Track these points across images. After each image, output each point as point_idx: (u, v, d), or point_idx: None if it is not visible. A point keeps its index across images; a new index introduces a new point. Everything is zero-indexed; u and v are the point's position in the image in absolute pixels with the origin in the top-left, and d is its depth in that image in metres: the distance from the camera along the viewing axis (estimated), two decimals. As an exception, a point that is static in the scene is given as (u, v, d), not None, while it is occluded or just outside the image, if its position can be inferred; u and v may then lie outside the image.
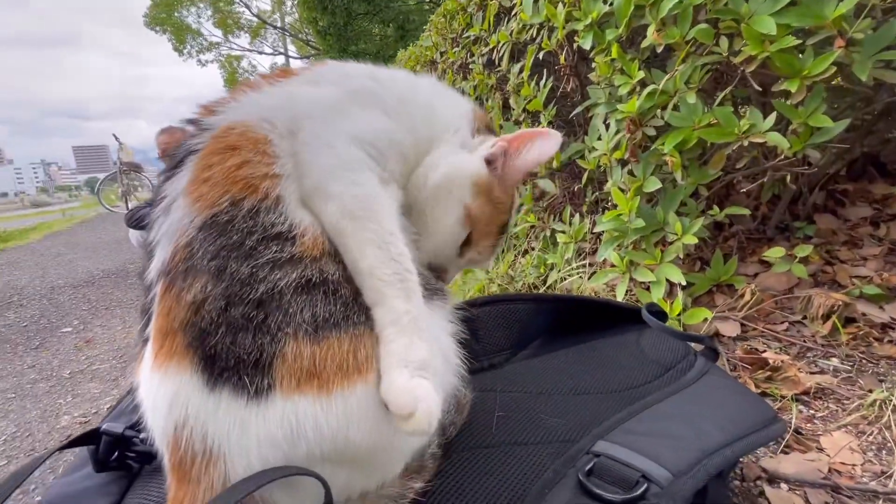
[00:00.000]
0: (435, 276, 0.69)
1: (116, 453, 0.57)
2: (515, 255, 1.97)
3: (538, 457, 0.59)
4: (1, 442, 1.76)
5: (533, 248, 1.93)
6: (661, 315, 0.97)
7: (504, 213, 0.71)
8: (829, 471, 0.78)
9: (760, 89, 1.11)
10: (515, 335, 0.88)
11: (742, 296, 1.25)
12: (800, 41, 1.00)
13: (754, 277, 1.40)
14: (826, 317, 1.13)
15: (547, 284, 1.62)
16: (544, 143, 0.67)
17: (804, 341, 1.12)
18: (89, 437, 0.55)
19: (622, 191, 1.36)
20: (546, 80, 1.66)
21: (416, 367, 0.47)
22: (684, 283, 1.22)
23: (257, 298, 0.43)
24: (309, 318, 0.44)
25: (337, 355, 0.44)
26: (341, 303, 0.47)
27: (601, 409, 0.71)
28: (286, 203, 0.49)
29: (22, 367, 2.45)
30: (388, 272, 0.49)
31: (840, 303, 1.12)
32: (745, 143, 1.09)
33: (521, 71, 1.79)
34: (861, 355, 1.04)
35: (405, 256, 0.52)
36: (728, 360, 1.09)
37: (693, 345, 0.89)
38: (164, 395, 0.42)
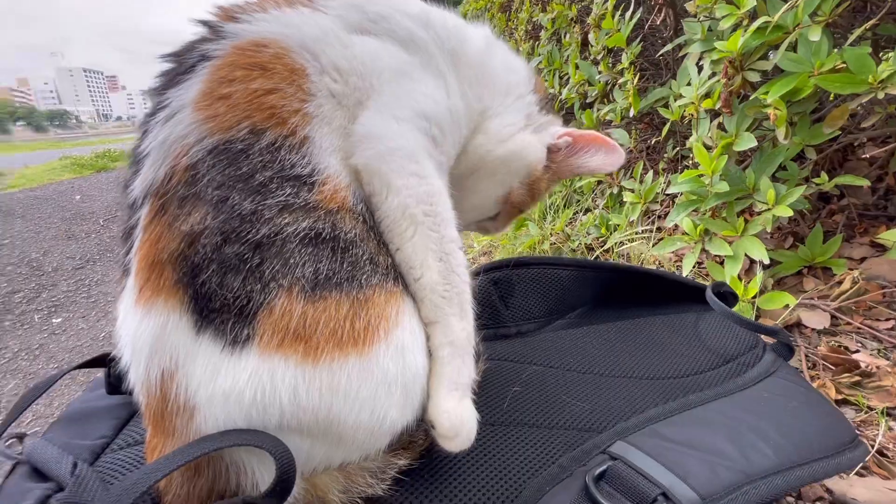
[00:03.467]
0: None
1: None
2: (576, 212, 1.82)
3: (549, 444, 0.53)
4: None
5: (596, 206, 1.77)
6: (729, 298, 0.83)
7: (535, 202, 0.69)
8: (915, 505, 0.65)
9: (915, 24, 0.86)
10: (552, 303, 0.80)
11: (840, 282, 1.05)
12: None
13: (860, 262, 1.17)
14: (949, 320, 0.93)
15: (605, 248, 1.48)
16: (608, 157, 0.65)
17: (912, 345, 0.93)
18: (100, 361, 0.56)
19: (707, 147, 1.16)
20: (633, 12, 1.43)
21: (465, 388, 0.49)
22: (767, 261, 1.04)
23: (256, 240, 0.39)
24: (309, 273, 0.40)
25: (332, 319, 0.39)
26: (349, 262, 0.42)
27: (634, 397, 0.62)
28: (314, 145, 0.45)
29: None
30: (449, 288, 0.48)
31: (973, 305, 0.90)
32: (881, 96, 0.86)
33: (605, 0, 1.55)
34: None
35: (464, 266, 0.51)
36: (807, 356, 0.94)
37: (764, 337, 0.75)
38: (147, 336, 0.39)
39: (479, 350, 0.63)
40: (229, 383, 0.37)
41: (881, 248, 1.15)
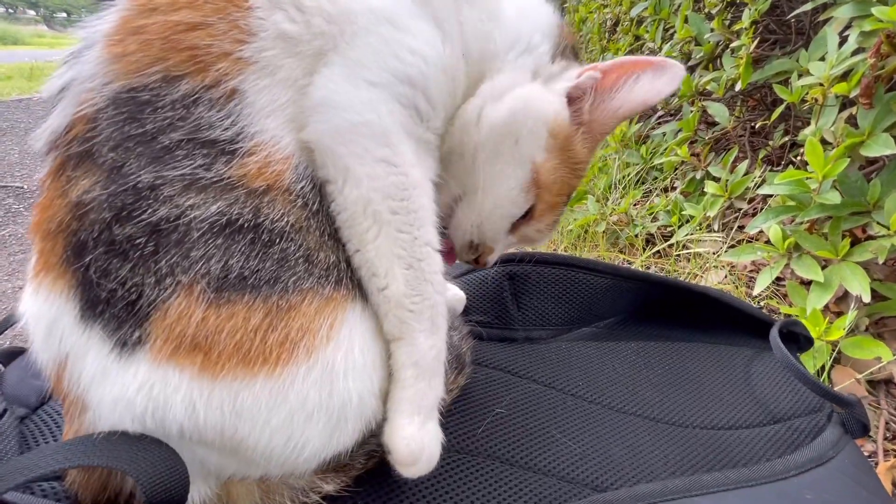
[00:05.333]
0: (472, 259, 0.52)
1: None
2: (647, 192, 1.61)
3: (518, 490, 0.45)
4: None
5: (675, 188, 1.55)
6: (802, 340, 0.68)
7: (581, 176, 0.51)
8: None
9: None
10: (575, 310, 0.68)
11: (960, 342, 0.84)
12: None
13: None
14: None
15: (669, 242, 1.29)
16: (657, 79, 0.46)
17: None
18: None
19: (825, 144, 0.93)
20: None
21: (430, 410, 0.42)
22: (868, 298, 0.84)
23: (152, 222, 0.32)
24: (217, 270, 0.32)
25: (239, 329, 0.32)
26: (274, 260, 0.34)
27: (642, 449, 0.52)
28: (244, 102, 0.35)
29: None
30: (419, 300, 0.40)
31: None
32: None
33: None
34: None
35: (439, 272, 0.41)
36: (887, 424, 0.77)
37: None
38: (41, 317, 0.34)
39: (465, 356, 0.55)
40: (118, 391, 0.32)
41: None
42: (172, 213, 0.32)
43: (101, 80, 0.34)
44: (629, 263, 1.29)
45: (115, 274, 0.32)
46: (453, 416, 0.50)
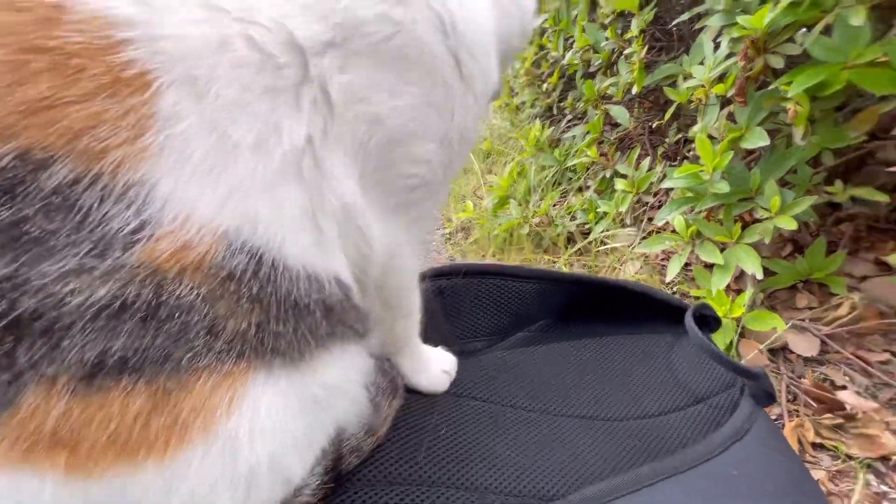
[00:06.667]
0: None
1: None
2: (565, 193, 1.69)
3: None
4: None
5: (588, 188, 1.64)
6: (712, 322, 0.73)
7: None
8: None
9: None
10: (508, 318, 0.69)
11: (838, 305, 0.95)
12: None
13: (861, 280, 1.07)
14: (950, 360, 0.83)
15: (588, 239, 1.36)
16: None
17: (904, 384, 0.84)
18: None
19: (712, 139, 1.03)
20: (651, -30, 1.24)
21: None
22: (761, 275, 0.94)
23: (13, 317, 0.25)
24: (92, 357, 0.26)
25: (115, 419, 0.27)
26: (168, 335, 0.28)
27: (584, 452, 0.53)
28: (153, 192, 0.28)
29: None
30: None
31: (980, 348, 0.81)
32: (921, 101, 0.73)
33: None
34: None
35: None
36: (788, 388, 0.85)
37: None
38: None
39: (398, 379, 0.53)
40: None
41: (886, 267, 1.04)
42: (43, 303, 0.26)
43: None
44: (553, 263, 1.34)
45: None
46: (390, 445, 0.47)
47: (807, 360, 0.91)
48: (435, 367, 0.57)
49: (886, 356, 0.90)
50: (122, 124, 0.27)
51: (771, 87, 0.88)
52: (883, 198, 0.89)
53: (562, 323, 0.75)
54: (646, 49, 1.25)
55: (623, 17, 1.43)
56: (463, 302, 0.67)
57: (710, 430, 0.58)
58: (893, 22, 0.82)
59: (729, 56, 0.99)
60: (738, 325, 0.92)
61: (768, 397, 0.63)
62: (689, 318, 0.69)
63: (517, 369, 0.64)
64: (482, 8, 0.41)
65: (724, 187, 0.97)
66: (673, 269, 1.08)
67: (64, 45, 0.26)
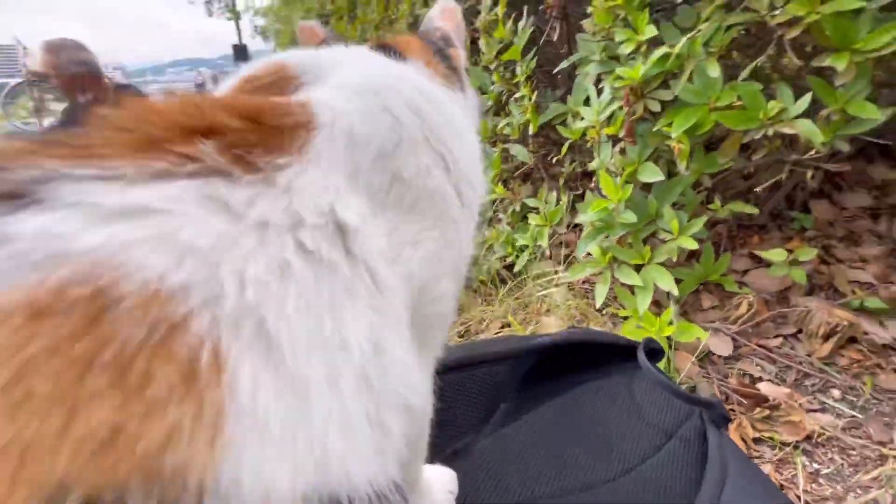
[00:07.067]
0: None
1: None
2: (481, 227, 1.74)
3: None
4: None
5: (500, 220, 1.71)
6: (658, 354, 0.79)
7: None
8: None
9: (801, 63, 0.88)
10: (484, 405, 0.68)
11: (738, 305, 1.10)
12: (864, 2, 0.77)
13: (744, 274, 1.25)
14: (826, 336, 1.01)
15: (515, 272, 1.42)
16: None
17: (800, 364, 1.00)
18: None
19: (609, 172, 1.13)
20: (526, 22, 1.35)
21: None
22: (676, 292, 1.05)
23: None
24: None
25: None
26: None
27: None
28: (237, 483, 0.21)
29: None
30: None
31: (844, 323, 0.99)
32: (771, 132, 0.88)
33: (494, 3, 1.44)
34: (863, 386, 0.92)
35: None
36: (719, 390, 0.96)
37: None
38: None
39: None
40: None
41: (759, 259, 1.23)
42: None
43: None
44: (489, 306, 1.36)
45: None
46: None
47: (726, 360, 1.03)
48: (438, 490, 0.54)
49: (779, 340, 1.06)
50: (200, 426, 0.20)
51: (654, 129, 1.00)
52: (753, 210, 1.06)
53: (531, 389, 0.76)
54: (535, 93, 1.34)
55: (505, 64, 1.52)
56: (443, 401, 0.65)
57: (690, 468, 0.63)
58: (740, 67, 0.98)
59: (612, 101, 1.10)
60: (670, 343, 1.01)
61: (724, 420, 0.69)
62: (641, 357, 0.74)
63: (508, 458, 0.63)
64: (468, 126, 0.40)
65: (630, 217, 1.07)
66: (600, 295, 1.16)
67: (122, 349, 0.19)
